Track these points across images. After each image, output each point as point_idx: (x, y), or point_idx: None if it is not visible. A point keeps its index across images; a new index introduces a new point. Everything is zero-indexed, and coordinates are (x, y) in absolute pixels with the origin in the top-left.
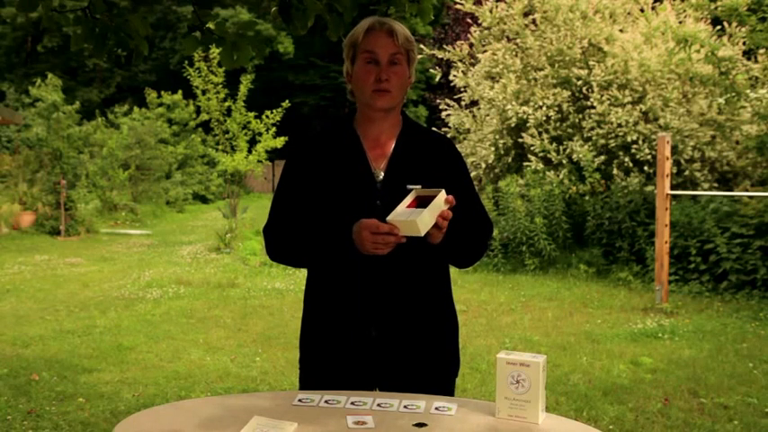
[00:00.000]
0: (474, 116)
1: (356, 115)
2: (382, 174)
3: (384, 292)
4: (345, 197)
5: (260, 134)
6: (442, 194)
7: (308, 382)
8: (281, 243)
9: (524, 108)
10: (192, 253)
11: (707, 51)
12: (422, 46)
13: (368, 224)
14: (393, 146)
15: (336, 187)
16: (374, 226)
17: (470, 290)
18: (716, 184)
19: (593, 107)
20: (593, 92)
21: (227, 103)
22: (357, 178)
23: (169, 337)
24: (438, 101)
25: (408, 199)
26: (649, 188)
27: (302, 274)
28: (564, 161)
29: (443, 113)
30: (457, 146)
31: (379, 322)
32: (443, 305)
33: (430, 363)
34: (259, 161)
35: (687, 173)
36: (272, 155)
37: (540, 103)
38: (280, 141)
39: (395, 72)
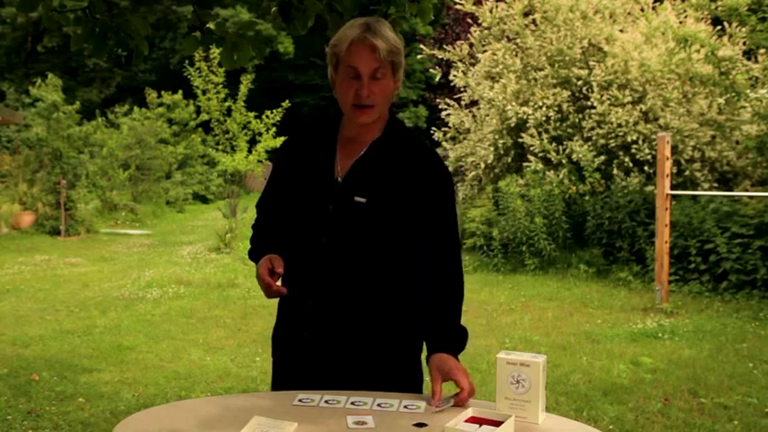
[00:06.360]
0: (474, 116)
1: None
2: (341, 178)
3: (333, 302)
4: (303, 199)
5: (260, 134)
6: (511, 421)
7: (278, 382)
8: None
9: (524, 108)
10: (192, 253)
11: (707, 51)
12: (422, 46)
13: (265, 282)
14: (363, 152)
15: (299, 188)
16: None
17: (470, 290)
18: (716, 184)
19: (594, 107)
20: (593, 92)
21: (227, 103)
22: (317, 181)
23: (169, 337)
24: (438, 101)
25: (465, 414)
26: (649, 188)
27: None
28: (564, 161)
29: (443, 113)
30: (456, 146)
31: (314, 327)
32: (403, 319)
33: (390, 369)
34: (259, 161)
35: (687, 173)
36: (272, 155)
37: (540, 103)
38: (280, 141)
39: (378, 86)
